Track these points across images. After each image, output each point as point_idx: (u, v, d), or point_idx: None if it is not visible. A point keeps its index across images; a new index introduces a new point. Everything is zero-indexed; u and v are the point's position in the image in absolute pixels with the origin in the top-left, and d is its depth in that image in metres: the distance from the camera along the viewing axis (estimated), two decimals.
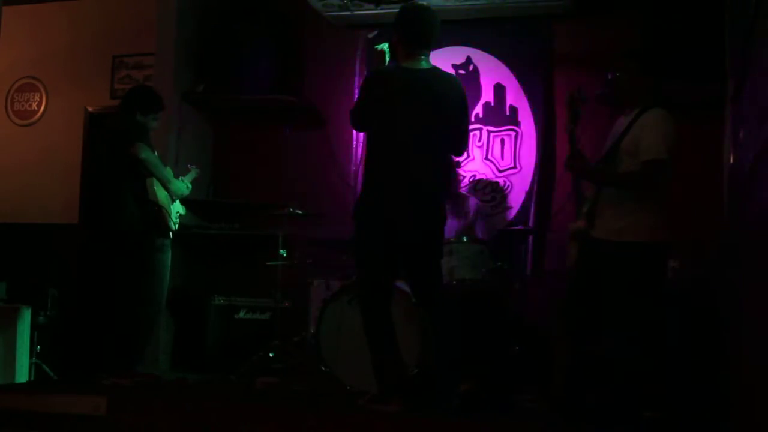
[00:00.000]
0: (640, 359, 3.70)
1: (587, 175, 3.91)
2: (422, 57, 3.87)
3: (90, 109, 6.68)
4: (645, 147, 3.68)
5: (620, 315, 3.72)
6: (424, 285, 3.91)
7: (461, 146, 4.09)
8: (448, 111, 3.86)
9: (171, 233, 4.75)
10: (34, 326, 5.70)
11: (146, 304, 4.66)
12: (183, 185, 4.93)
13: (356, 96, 5.96)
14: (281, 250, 5.25)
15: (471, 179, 5.72)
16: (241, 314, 5.50)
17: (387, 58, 3.93)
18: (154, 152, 4.82)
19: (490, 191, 5.69)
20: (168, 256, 4.74)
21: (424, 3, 3.95)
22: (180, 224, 5.08)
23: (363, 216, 3.85)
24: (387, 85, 3.83)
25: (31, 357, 5.64)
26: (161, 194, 4.69)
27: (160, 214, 4.65)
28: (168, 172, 4.90)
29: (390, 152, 3.79)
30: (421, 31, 3.86)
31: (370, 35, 6.04)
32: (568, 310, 3.90)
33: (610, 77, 3.98)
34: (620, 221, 3.74)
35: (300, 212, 5.27)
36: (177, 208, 4.90)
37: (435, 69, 3.94)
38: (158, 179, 4.69)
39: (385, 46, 3.96)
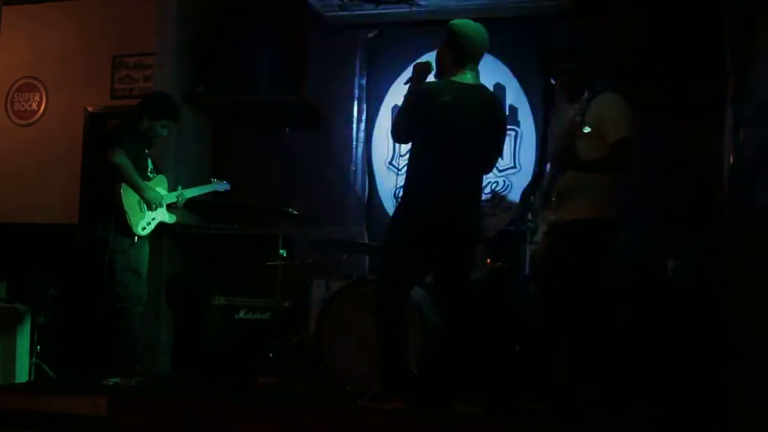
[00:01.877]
0: (587, 334, 3.78)
1: (572, 166, 3.95)
2: (469, 71, 3.96)
3: (90, 109, 6.68)
4: (611, 129, 3.81)
5: (571, 291, 3.80)
6: (452, 292, 3.96)
7: (492, 165, 4.21)
8: (490, 128, 3.98)
9: (136, 237, 4.77)
10: (34, 326, 5.69)
11: (120, 302, 4.71)
12: (160, 196, 4.91)
13: (362, 102, 6.01)
14: (281, 250, 5.25)
15: None
16: (241, 314, 5.50)
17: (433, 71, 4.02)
18: (146, 159, 4.83)
19: (490, 191, 5.70)
20: (132, 257, 4.76)
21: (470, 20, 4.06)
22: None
23: (403, 221, 3.92)
24: (441, 97, 3.87)
25: (31, 357, 5.63)
26: (129, 200, 4.73)
27: (122, 218, 4.69)
28: (157, 179, 4.88)
29: (436, 163, 3.87)
30: (475, 46, 3.96)
31: (370, 35, 6.05)
32: (541, 298, 4.00)
33: (553, 82, 4.11)
34: (575, 203, 3.85)
35: (296, 213, 5.26)
36: (157, 215, 4.89)
37: (482, 86, 4.05)
38: (130, 186, 4.72)
39: (431, 59, 4.04)
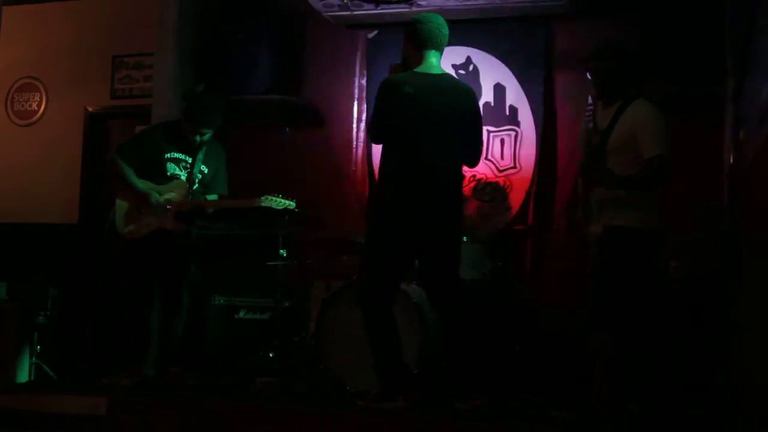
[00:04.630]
0: (629, 350, 3.73)
1: (600, 182, 3.88)
2: (433, 60, 3.96)
3: (90, 109, 6.67)
4: (645, 144, 3.68)
5: (612, 303, 3.74)
6: (442, 289, 3.96)
7: (476, 157, 4.16)
8: (462, 118, 3.96)
9: (128, 242, 4.70)
10: (34, 326, 5.70)
11: (114, 303, 4.71)
12: (160, 200, 4.72)
13: (362, 102, 6.01)
14: (281, 250, 5.25)
15: (471, 179, 5.73)
16: (241, 314, 5.50)
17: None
18: (164, 164, 4.72)
19: (490, 191, 5.69)
20: (129, 259, 4.72)
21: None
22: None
23: (380, 220, 3.92)
24: (403, 89, 3.87)
25: (31, 357, 5.64)
26: (122, 207, 4.69)
27: (114, 217, 4.68)
28: (172, 184, 4.80)
29: (409, 157, 3.86)
30: (432, 30, 3.96)
31: (370, 35, 6.05)
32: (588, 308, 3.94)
33: (588, 75, 3.98)
34: (614, 212, 3.76)
35: (297, 213, 5.26)
36: (152, 220, 4.72)
37: (449, 75, 4.08)
38: (127, 186, 4.68)
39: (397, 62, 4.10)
